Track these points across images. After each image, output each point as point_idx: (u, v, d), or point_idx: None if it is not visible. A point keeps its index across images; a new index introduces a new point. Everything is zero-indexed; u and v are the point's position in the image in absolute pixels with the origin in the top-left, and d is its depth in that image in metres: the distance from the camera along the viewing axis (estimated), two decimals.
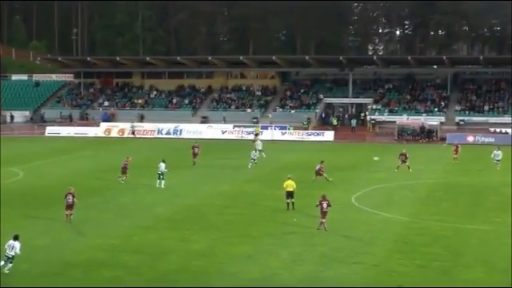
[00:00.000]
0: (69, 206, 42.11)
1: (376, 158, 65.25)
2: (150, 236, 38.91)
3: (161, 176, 54.20)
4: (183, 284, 30.10)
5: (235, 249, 35.61)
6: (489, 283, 30.39)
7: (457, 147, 74.01)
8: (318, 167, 58.02)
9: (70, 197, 42.13)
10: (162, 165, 54.32)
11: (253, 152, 68.29)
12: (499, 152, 64.39)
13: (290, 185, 46.74)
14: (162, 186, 53.90)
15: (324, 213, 40.20)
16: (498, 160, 64.65)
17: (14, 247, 31.42)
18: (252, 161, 66.94)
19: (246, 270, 31.96)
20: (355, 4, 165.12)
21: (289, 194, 46.39)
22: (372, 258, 34.28)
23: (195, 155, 68.83)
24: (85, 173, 62.67)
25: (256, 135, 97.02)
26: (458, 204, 49.11)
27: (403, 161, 64.22)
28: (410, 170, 63.37)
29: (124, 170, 56.25)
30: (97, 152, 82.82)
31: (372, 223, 42.29)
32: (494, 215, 44.98)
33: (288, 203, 46.18)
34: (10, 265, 31.33)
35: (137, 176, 56.36)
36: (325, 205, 40.25)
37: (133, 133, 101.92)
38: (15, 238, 31.77)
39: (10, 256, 31.30)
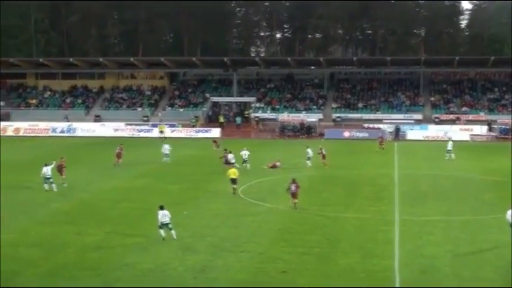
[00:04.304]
0: None
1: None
2: (46, 230, 38.38)
3: (50, 180, 50.86)
4: (80, 275, 29.82)
5: (129, 240, 35.41)
6: (365, 267, 31.10)
7: (382, 139, 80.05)
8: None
9: None
10: (46, 169, 50.97)
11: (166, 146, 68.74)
12: (309, 150, 64.83)
13: (233, 172, 49.42)
14: (55, 188, 50.88)
15: (293, 194, 43.43)
16: (309, 157, 64.24)
17: (166, 214, 35.58)
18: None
19: (140, 261, 31.84)
20: (238, 8, 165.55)
21: (233, 181, 48.95)
22: (258, 246, 34.60)
23: (119, 155, 65.74)
24: None
25: (161, 132, 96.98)
26: (336, 195, 49.94)
27: (323, 157, 64.44)
28: (326, 166, 63.73)
29: (60, 171, 53.31)
30: None
31: (257, 214, 42.64)
32: (368, 204, 45.99)
33: (233, 188, 48.80)
34: (173, 231, 35.61)
35: (33, 174, 55.00)
36: (293, 187, 43.45)
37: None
38: (162, 208, 35.85)
39: (167, 222, 35.52)
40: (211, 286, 28.66)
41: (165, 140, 74.73)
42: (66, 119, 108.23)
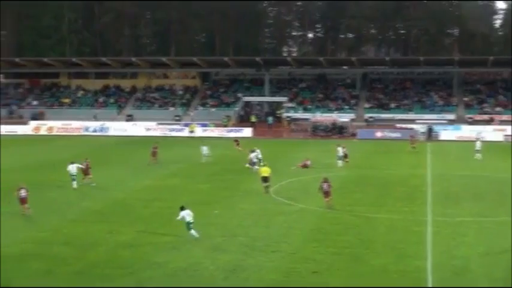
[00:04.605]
0: (24, 200, 41.91)
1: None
2: (78, 228, 38.58)
3: (73, 177, 51.81)
4: (112, 274, 29.95)
5: (160, 240, 35.52)
6: (397, 268, 30.91)
7: (413, 138, 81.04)
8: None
9: (23, 190, 42.00)
10: (71, 166, 52.16)
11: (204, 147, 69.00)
12: (340, 149, 64.99)
13: (265, 170, 49.65)
14: (75, 186, 51.63)
15: (326, 193, 43.69)
16: (340, 157, 64.47)
17: (190, 214, 35.74)
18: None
19: (171, 260, 31.91)
20: (270, 8, 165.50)
21: (264, 179, 49.21)
22: (289, 246, 34.52)
23: (154, 154, 66.87)
24: (15, 170, 61.55)
25: (192, 132, 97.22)
26: (368, 195, 49.71)
27: (345, 156, 64.81)
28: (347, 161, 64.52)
29: (86, 171, 53.93)
30: (27, 150, 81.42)
31: (289, 214, 42.57)
32: (401, 205, 45.71)
33: (264, 187, 49.05)
34: (195, 233, 35.47)
35: (65, 173, 55.17)
36: (325, 186, 43.77)
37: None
38: (183, 208, 35.96)
39: (192, 221, 35.59)
40: (242, 286, 28.67)
41: (204, 141, 74.49)
42: (95, 118, 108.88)
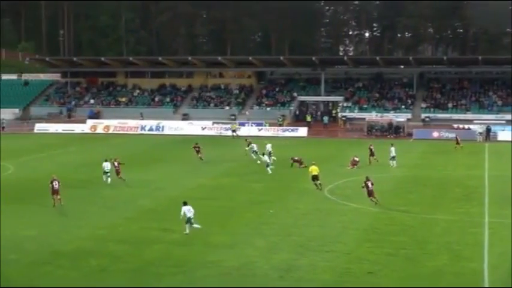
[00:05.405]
0: (56, 191, 43.38)
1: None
2: (134, 226, 38.94)
3: (107, 174, 52.96)
4: (165, 272, 30.13)
5: (214, 239, 35.64)
6: (453, 269, 30.59)
7: (457, 138, 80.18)
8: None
9: (56, 182, 43.51)
10: (106, 164, 53.41)
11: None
12: (392, 149, 64.31)
13: (314, 169, 50.46)
14: (109, 181, 52.77)
15: (370, 192, 44.15)
16: (393, 157, 63.68)
17: (191, 210, 36.68)
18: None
19: (225, 259, 31.98)
20: (327, 7, 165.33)
21: (315, 177, 50.07)
22: (344, 246, 34.39)
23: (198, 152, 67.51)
24: (72, 167, 62.44)
25: (234, 131, 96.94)
26: (424, 196, 49.30)
27: (372, 154, 64.77)
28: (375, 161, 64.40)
29: (117, 172, 54.18)
30: (83, 148, 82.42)
31: (344, 214, 42.44)
32: (457, 206, 45.24)
33: (315, 184, 49.88)
34: (195, 224, 36.65)
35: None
36: (370, 184, 44.30)
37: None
38: (186, 203, 36.94)
39: (192, 217, 36.50)
40: (297, 286, 28.60)
41: (266, 140, 73.84)
42: (141, 116, 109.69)
